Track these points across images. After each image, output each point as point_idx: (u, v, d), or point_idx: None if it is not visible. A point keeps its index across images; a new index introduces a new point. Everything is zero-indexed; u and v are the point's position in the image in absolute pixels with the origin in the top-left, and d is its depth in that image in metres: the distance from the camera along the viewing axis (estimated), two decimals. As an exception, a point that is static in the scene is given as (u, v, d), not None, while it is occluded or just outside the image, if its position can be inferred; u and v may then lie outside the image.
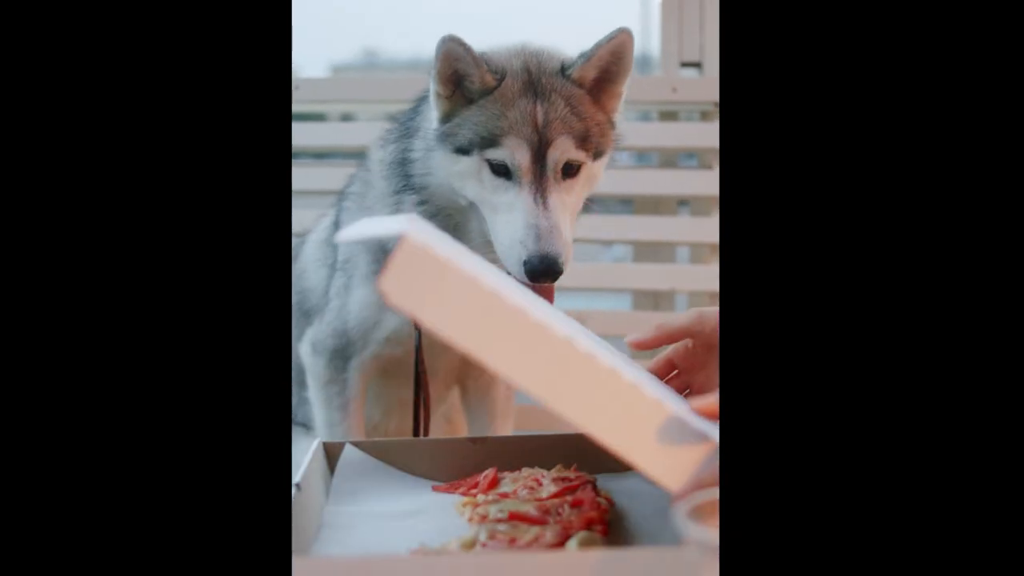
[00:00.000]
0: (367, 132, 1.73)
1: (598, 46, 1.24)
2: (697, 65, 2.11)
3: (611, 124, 1.30)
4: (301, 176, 1.96)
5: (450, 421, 1.66)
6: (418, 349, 1.34)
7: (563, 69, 1.26)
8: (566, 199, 1.23)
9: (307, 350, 1.48)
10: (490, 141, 1.21)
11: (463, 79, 1.24)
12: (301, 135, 2.08)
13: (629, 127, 2.20)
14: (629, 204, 2.16)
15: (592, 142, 1.25)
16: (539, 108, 1.22)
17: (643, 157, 2.45)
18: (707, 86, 2.01)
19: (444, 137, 1.25)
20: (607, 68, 1.26)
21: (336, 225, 1.52)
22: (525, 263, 1.17)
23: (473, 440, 1.10)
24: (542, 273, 1.16)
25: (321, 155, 2.39)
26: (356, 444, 1.08)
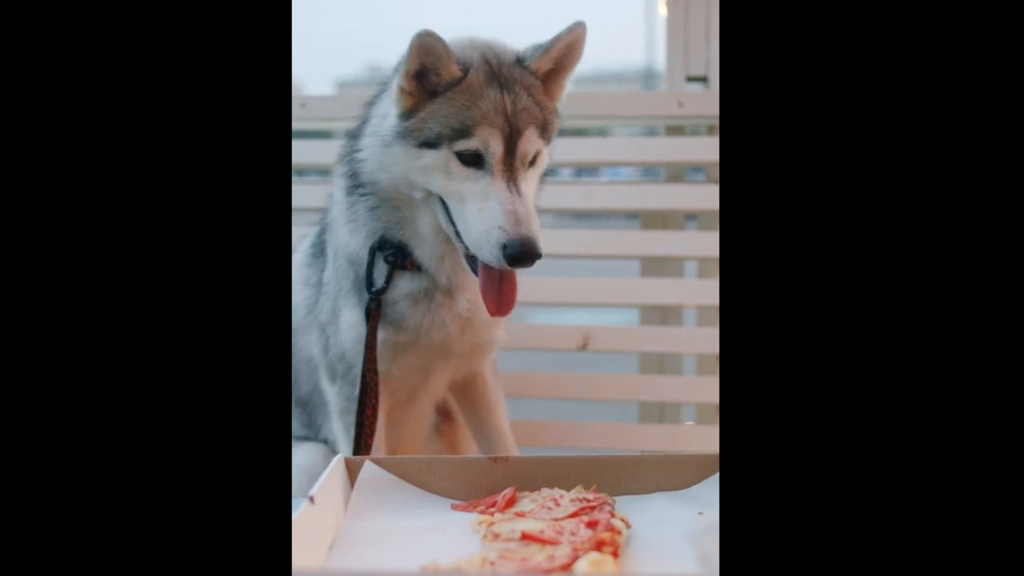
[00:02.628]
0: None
1: (557, 39, 1.30)
2: (703, 79, 2.11)
3: (557, 113, 1.35)
4: (308, 193, 1.97)
5: (442, 434, 1.66)
6: (364, 370, 1.35)
7: (519, 60, 1.31)
8: (532, 187, 1.28)
9: (326, 380, 1.50)
10: (461, 132, 1.24)
11: (428, 73, 1.26)
12: (308, 153, 2.09)
13: (635, 142, 2.20)
14: (636, 219, 2.16)
15: (549, 131, 1.31)
16: (507, 98, 1.25)
17: (650, 172, 2.45)
18: (713, 100, 2.00)
19: (407, 133, 1.27)
20: (561, 60, 1.32)
21: (315, 245, 1.55)
22: (505, 247, 1.20)
23: (494, 459, 1.10)
24: (522, 256, 1.19)
25: (328, 172, 2.39)
26: (376, 461, 1.09)
